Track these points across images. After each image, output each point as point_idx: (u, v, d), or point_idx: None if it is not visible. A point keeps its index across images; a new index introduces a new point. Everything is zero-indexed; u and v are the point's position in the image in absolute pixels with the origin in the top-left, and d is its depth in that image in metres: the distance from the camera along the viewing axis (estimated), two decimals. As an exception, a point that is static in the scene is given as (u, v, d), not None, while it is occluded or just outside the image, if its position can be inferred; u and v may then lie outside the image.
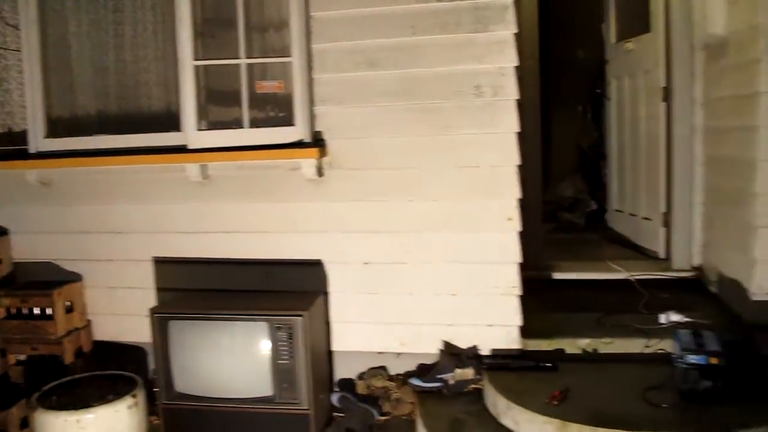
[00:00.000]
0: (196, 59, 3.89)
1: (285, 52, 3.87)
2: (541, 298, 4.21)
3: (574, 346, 3.73)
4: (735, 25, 3.92)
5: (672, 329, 3.58)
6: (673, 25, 4.58)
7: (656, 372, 3.37)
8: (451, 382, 3.65)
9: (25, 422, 3.81)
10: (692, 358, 3.15)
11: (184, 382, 3.71)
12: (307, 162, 3.85)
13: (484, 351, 3.82)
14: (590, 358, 3.68)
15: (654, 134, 4.83)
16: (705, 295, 4.36)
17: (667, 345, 3.53)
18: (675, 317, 3.79)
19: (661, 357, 3.50)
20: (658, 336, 3.63)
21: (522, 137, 3.78)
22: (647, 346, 3.61)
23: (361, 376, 3.99)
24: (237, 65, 3.89)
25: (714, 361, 3.13)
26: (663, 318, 3.81)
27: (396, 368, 3.99)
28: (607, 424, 2.96)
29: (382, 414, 3.76)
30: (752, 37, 3.61)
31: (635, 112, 5.22)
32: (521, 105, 3.77)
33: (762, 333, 3.59)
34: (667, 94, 4.67)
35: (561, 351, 3.73)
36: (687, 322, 3.74)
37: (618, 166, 5.67)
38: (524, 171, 3.82)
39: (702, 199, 4.53)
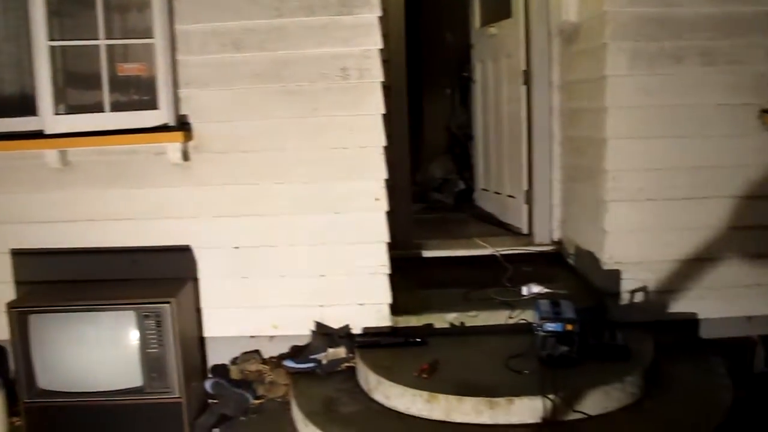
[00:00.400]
0: (52, 40, 3.70)
1: (147, 33, 3.73)
2: (410, 276, 4.34)
3: (442, 320, 3.87)
4: (586, 12, 4.16)
5: (533, 300, 3.78)
6: (532, 11, 4.81)
7: (519, 341, 3.56)
8: (324, 361, 3.70)
9: None
10: (550, 326, 3.34)
11: (47, 379, 3.54)
12: (172, 146, 3.76)
13: (356, 330, 3.89)
14: (457, 331, 3.83)
15: (516, 116, 5.05)
16: (564, 267, 4.63)
17: (528, 315, 3.73)
18: (536, 289, 4.00)
19: (523, 327, 3.70)
20: (520, 307, 3.83)
21: (390, 119, 3.86)
22: (510, 318, 3.80)
23: (234, 361, 3.95)
24: (96, 47, 3.73)
25: (569, 327, 3.33)
26: (525, 290, 4.02)
27: (269, 351, 3.98)
28: (472, 392, 3.12)
29: (257, 397, 3.75)
30: (600, 24, 3.84)
31: (499, 95, 5.44)
32: (388, 87, 3.84)
33: (612, 299, 3.87)
34: (527, 78, 4.89)
35: (430, 326, 3.85)
36: (546, 292, 3.95)
37: (484, 147, 5.89)
38: (393, 152, 3.91)
39: (560, 177, 4.81)
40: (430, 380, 3.25)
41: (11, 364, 4.04)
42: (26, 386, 3.55)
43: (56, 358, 3.55)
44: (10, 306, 3.53)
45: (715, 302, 3.93)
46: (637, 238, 3.88)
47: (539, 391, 3.08)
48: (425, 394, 3.14)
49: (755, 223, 3.88)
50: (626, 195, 3.83)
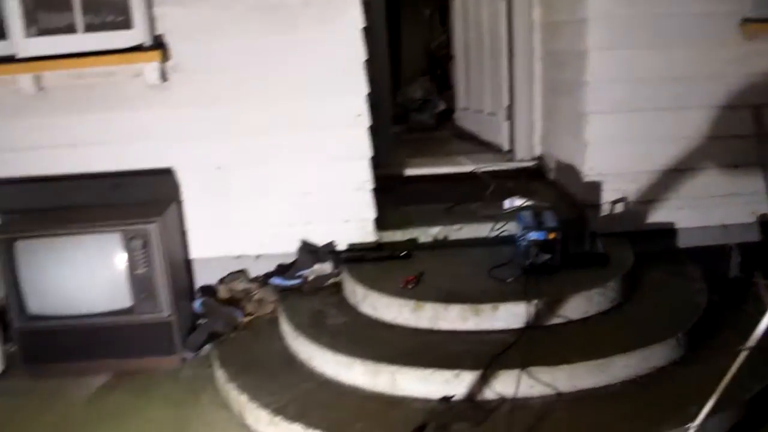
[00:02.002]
0: (19, -41, 3.59)
1: (118, -52, 3.64)
2: (393, 194, 4.36)
3: (426, 235, 3.93)
4: None
5: (515, 213, 3.82)
6: None
7: (501, 253, 3.62)
8: (311, 278, 3.75)
9: None
10: (533, 235, 3.40)
11: (37, 304, 3.57)
12: (149, 67, 3.69)
13: (341, 246, 3.94)
14: (441, 245, 3.90)
15: (496, 32, 5.01)
16: (545, 181, 4.68)
17: (511, 227, 3.78)
18: (518, 202, 4.05)
19: (506, 239, 3.76)
20: (502, 220, 3.87)
21: (370, 38, 3.81)
22: (493, 230, 3.85)
23: (221, 281, 4.00)
24: (66, -36, 3.63)
25: (552, 236, 3.39)
26: (507, 203, 4.06)
27: (256, 270, 4.02)
28: (457, 300, 3.19)
29: (245, 315, 3.81)
30: (579, -70, 3.78)
31: (478, 12, 5.36)
32: (368, 4, 3.78)
33: (592, 210, 3.93)
34: (507, -8, 4.82)
35: (414, 240, 3.91)
36: (528, 205, 4.00)
37: (464, 66, 5.84)
38: (373, 70, 3.87)
39: (541, 92, 4.80)
40: (416, 290, 3.31)
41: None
42: (17, 312, 3.58)
43: (45, 283, 3.57)
44: (-5, 232, 3.53)
45: (693, 212, 4.02)
46: (617, 149, 3.92)
47: (522, 297, 3.16)
48: (411, 303, 3.21)
49: (733, 133, 3.92)
50: (607, 107, 3.85)
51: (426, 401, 2.85)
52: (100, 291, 3.58)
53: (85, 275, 3.59)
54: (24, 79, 3.75)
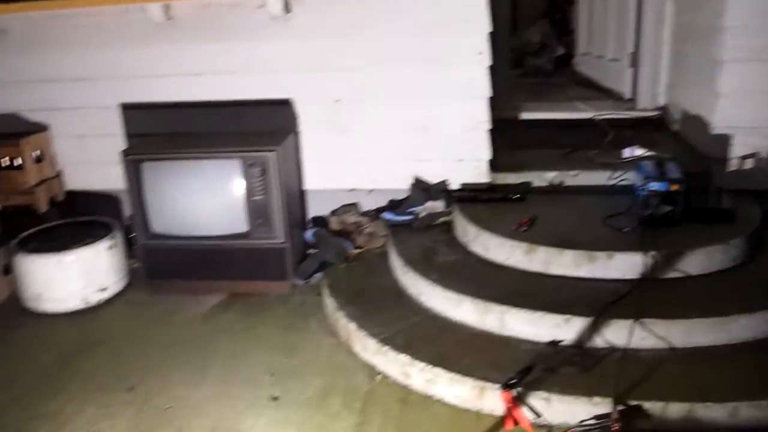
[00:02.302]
0: None
1: None
2: (508, 137, 4.28)
3: (541, 179, 3.85)
4: None
5: (635, 162, 3.68)
6: None
7: (618, 202, 3.50)
8: (422, 215, 3.77)
9: (7, 269, 3.89)
10: (654, 186, 3.27)
11: (160, 223, 3.76)
12: (273, -3, 3.74)
13: (453, 185, 3.92)
14: (556, 190, 3.81)
15: (625, -28, 4.77)
16: (667, 133, 4.48)
17: (630, 177, 3.65)
18: (638, 152, 3.90)
19: (624, 188, 3.63)
20: (621, 169, 3.74)
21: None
22: (611, 178, 3.73)
23: (333, 213, 4.07)
24: None
25: (675, 187, 3.25)
26: (627, 152, 3.92)
27: (367, 204, 4.08)
28: (571, 246, 3.12)
29: (356, 248, 3.88)
30: None
31: (607, -50, 5.12)
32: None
33: (718, 164, 3.73)
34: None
35: (528, 184, 3.84)
36: (649, 155, 3.85)
37: (587, 9, 5.61)
38: (492, 11, 3.76)
39: (670, 38, 4.55)
40: (529, 233, 3.27)
41: (123, 213, 4.32)
42: (142, 229, 3.78)
43: (167, 204, 3.74)
44: (125, 153, 3.70)
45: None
46: (753, 101, 3.67)
47: (640, 248, 3.06)
48: (525, 245, 3.17)
49: None
50: (745, 55, 3.59)
51: (534, 343, 2.84)
52: (218, 214, 3.73)
53: (205, 199, 3.74)
54: (154, 8, 3.87)
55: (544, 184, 3.84)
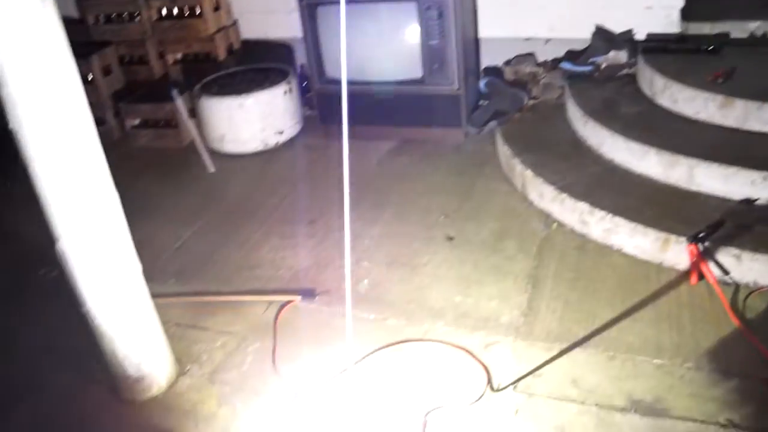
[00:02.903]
0: None
1: None
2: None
3: (741, 30, 3.50)
4: None
5: None
6: None
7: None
8: (603, 65, 3.58)
9: (192, 112, 4.13)
10: None
11: (334, 68, 3.80)
12: None
13: (640, 35, 3.67)
14: (758, 42, 3.46)
15: None
16: None
17: None
18: None
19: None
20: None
21: None
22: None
23: (508, 63, 3.96)
24: None
25: None
26: None
27: (543, 55, 3.93)
28: (775, 99, 2.86)
29: (531, 98, 3.77)
30: None
31: None
32: None
33: None
34: None
35: (725, 35, 3.51)
36: None
37: None
38: None
39: None
40: (725, 85, 3.02)
41: (296, 61, 4.41)
42: (317, 74, 3.85)
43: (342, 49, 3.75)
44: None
45: None
46: None
47: None
48: (719, 98, 2.94)
49: None
50: None
51: (723, 200, 2.71)
52: (393, 60, 3.71)
53: (380, 44, 3.70)
54: None
55: (744, 35, 3.50)
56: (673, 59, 3.35)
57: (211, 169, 3.77)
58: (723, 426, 1.94)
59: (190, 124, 3.86)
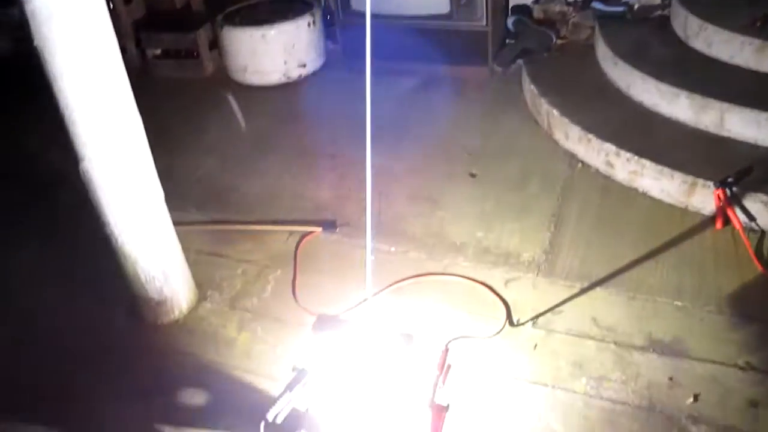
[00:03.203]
0: None
1: None
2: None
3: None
4: None
5: None
6: None
7: None
8: (636, 6, 3.49)
9: (213, 44, 4.10)
10: None
11: (359, 0, 3.71)
12: None
13: (677, -24, 3.55)
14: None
15: None
16: None
17: None
18: None
19: None
20: None
21: None
22: None
23: (536, 2, 3.85)
24: None
25: None
26: None
27: (574, -6, 3.81)
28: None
29: (559, 38, 3.69)
30: None
31: None
32: None
33: None
34: None
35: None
36: None
37: None
38: None
39: None
40: (765, 30, 2.93)
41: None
42: (341, 7, 3.78)
43: (368, -18, 3.66)
44: (329, -75, 3.63)
45: None
46: None
47: None
48: (757, 42, 2.85)
49: None
50: None
51: (754, 147, 2.66)
52: (419, -7, 3.62)
53: (408, -24, 3.62)
54: None
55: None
56: (709, 2, 3.24)
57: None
58: (741, 368, 1.94)
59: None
